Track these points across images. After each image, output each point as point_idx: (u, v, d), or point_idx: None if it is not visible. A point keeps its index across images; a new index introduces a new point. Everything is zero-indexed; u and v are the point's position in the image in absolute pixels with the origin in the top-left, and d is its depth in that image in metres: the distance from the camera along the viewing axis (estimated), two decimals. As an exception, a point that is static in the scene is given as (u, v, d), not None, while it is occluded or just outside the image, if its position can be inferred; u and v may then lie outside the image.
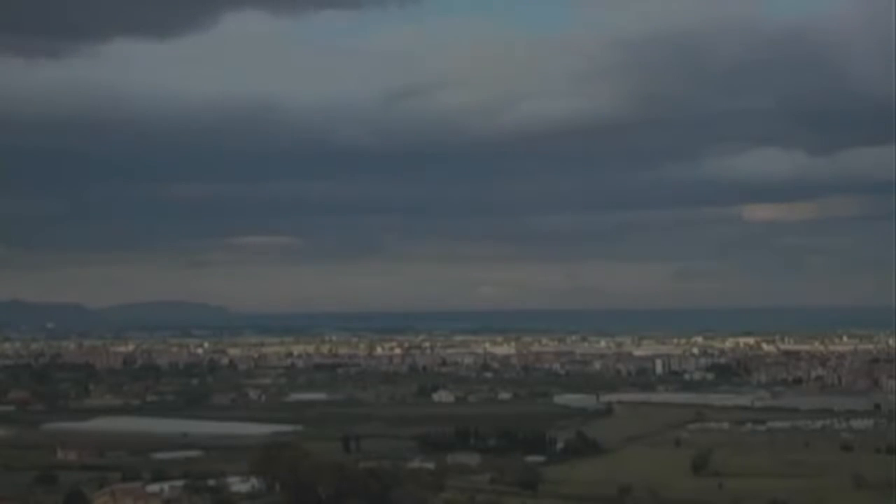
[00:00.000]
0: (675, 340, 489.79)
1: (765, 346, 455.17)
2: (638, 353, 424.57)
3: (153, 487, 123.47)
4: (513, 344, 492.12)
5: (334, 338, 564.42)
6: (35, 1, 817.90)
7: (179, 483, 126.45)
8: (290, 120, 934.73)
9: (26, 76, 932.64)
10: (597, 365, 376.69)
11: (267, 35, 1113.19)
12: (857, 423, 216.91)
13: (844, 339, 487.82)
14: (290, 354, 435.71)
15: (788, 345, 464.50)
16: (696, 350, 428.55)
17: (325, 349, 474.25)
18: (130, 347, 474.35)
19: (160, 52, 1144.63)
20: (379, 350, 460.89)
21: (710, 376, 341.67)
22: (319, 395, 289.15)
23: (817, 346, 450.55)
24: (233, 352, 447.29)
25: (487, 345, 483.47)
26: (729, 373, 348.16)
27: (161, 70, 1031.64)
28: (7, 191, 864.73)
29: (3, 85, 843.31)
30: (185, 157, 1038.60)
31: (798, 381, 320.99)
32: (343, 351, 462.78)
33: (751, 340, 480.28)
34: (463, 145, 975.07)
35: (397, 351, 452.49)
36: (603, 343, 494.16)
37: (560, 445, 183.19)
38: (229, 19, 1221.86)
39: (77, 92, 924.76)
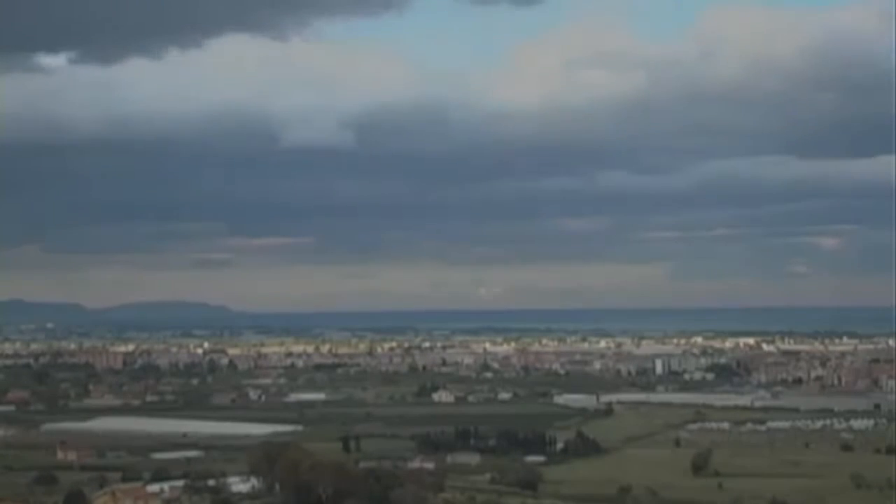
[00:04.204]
0: (675, 340, 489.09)
1: (765, 346, 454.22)
2: (638, 353, 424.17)
3: (153, 487, 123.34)
4: (513, 344, 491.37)
5: (334, 338, 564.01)
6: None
7: (179, 483, 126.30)
8: (290, 122, 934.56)
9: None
10: (597, 365, 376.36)
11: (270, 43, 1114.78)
12: (857, 423, 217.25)
13: (844, 339, 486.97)
14: (290, 354, 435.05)
15: (788, 345, 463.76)
16: (696, 350, 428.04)
17: (325, 349, 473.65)
18: (130, 347, 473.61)
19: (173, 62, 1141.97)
20: (379, 350, 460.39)
21: (710, 376, 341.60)
22: (319, 395, 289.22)
23: (817, 346, 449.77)
24: (233, 352, 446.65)
25: (487, 345, 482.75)
26: (729, 373, 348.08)
27: (166, 76, 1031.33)
28: (8, 190, 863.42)
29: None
30: (188, 158, 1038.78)
31: (798, 381, 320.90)
32: (343, 351, 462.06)
33: (751, 340, 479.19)
34: (462, 146, 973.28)
35: (397, 351, 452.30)
36: (603, 343, 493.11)
37: (560, 445, 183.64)
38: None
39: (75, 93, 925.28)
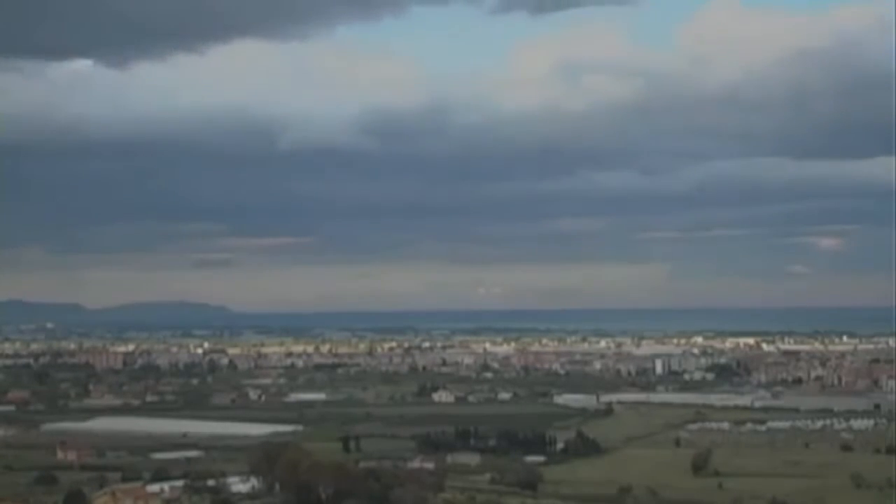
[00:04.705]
0: (675, 340, 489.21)
1: (765, 346, 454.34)
2: (638, 353, 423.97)
3: (153, 487, 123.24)
4: (513, 344, 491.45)
5: (334, 338, 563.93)
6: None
7: (179, 483, 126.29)
8: (291, 123, 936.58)
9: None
10: (597, 365, 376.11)
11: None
12: (857, 423, 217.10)
13: (844, 339, 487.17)
14: (290, 354, 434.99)
15: (788, 345, 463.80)
16: (696, 350, 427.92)
17: (325, 349, 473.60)
18: (130, 347, 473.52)
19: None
20: (379, 350, 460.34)
21: (710, 376, 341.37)
22: (319, 395, 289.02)
23: (817, 346, 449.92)
24: (233, 352, 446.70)
25: (487, 345, 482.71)
26: (729, 373, 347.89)
27: (169, 80, 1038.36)
28: (9, 191, 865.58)
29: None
30: (189, 159, 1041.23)
31: (798, 381, 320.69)
32: (343, 351, 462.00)
33: (751, 340, 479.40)
34: (462, 146, 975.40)
35: (397, 351, 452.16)
36: (603, 343, 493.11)
37: (560, 445, 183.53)
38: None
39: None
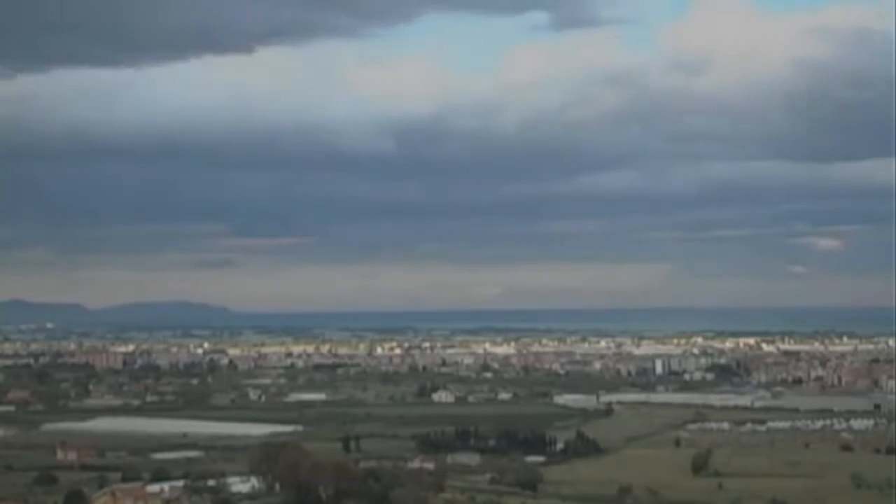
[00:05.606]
0: (675, 340, 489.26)
1: (765, 346, 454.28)
2: (638, 353, 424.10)
3: (153, 487, 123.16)
4: (513, 344, 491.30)
5: (334, 338, 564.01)
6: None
7: (179, 483, 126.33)
8: (291, 125, 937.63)
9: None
10: (597, 365, 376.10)
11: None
12: (857, 424, 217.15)
13: (844, 339, 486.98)
14: (290, 354, 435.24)
15: (788, 345, 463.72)
16: (696, 350, 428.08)
17: (325, 349, 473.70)
18: (130, 347, 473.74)
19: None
20: (379, 350, 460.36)
21: (710, 376, 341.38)
22: (319, 395, 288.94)
23: (817, 346, 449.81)
24: (233, 352, 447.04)
25: (487, 345, 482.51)
26: (729, 373, 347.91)
27: (172, 84, 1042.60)
28: (10, 192, 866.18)
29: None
30: (188, 160, 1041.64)
31: (798, 381, 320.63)
32: (343, 351, 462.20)
33: (751, 340, 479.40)
34: (461, 146, 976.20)
35: (397, 351, 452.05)
36: (603, 343, 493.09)
37: (560, 445, 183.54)
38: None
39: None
